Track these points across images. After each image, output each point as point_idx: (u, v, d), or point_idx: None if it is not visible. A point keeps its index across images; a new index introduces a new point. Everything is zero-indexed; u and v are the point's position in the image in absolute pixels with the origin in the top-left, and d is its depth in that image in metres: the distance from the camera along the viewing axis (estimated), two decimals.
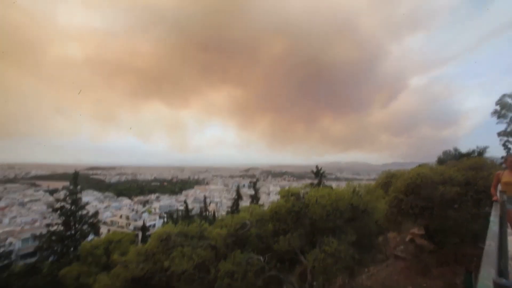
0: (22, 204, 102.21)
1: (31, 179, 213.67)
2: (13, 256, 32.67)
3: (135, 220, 58.86)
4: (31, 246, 38.21)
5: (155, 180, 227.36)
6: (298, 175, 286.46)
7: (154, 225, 56.96)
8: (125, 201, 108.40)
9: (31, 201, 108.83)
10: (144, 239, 43.11)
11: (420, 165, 19.66)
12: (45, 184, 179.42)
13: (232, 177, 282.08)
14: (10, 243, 37.68)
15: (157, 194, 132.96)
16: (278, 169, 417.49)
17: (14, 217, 73.96)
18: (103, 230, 53.42)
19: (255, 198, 39.23)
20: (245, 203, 64.42)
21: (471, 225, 11.61)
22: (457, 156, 23.65)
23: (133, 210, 71.81)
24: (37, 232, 38.51)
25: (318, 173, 31.19)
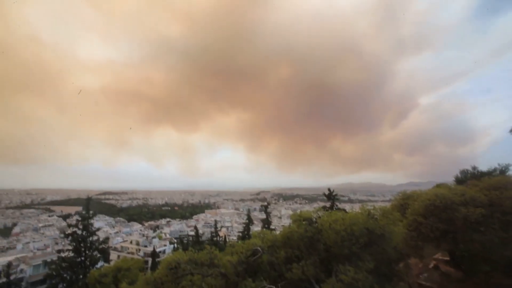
0: (36, 230, 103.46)
1: (46, 204, 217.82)
2: (23, 284, 32.54)
3: (145, 246, 57.93)
4: (42, 273, 37.92)
5: (166, 204, 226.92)
6: (309, 198, 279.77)
7: (164, 251, 55.83)
8: (136, 226, 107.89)
9: (45, 226, 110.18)
10: (154, 266, 42.12)
11: (437, 185, 18.79)
12: (59, 209, 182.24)
13: (243, 200, 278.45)
14: (22, 270, 37.58)
15: (167, 219, 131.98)
16: (289, 191, 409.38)
17: (28, 242, 74.64)
18: (113, 256, 52.75)
19: (266, 222, 38.15)
20: (256, 227, 62.80)
21: (501, 251, 10.74)
22: (477, 175, 22.54)
23: (143, 235, 70.99)
24: (49, 258, 38.56)
25: (331, 196, 30.27)
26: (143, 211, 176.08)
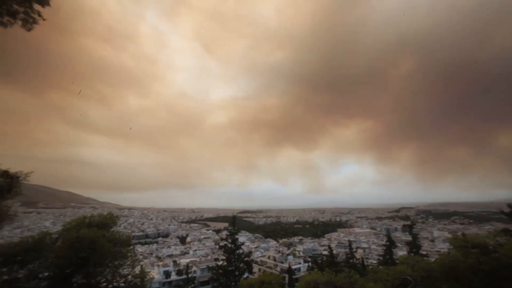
0: (200, 240, 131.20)
1: (204, 220, 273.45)
2: (196, 282, 42.00)
3: (282, 262, 61.06)
4: (206, 275, 48.02)
5: (297, 222, 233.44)
6: (475, 216, 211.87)
7: (299, 269, 56.73)
8: (271, 242, 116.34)
9: (205, 238, 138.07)
10: (291, 283, 43.41)
11: None
12: (213, 225, 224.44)
13: (379, 218, 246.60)
14: (194, 271, 48.70)
15: (300, 237, 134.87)
16: (441, 207, 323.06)
17: (196, 250, 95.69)
18: (255, 269, 58.60)
19: (414, 245, 31.77)
20: (400, 251, 53.37)
21: None
22: None
23: (278, 252, 75.44)
24: (210, 264, 47.91)
25: None
26: (276, 228, 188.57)
